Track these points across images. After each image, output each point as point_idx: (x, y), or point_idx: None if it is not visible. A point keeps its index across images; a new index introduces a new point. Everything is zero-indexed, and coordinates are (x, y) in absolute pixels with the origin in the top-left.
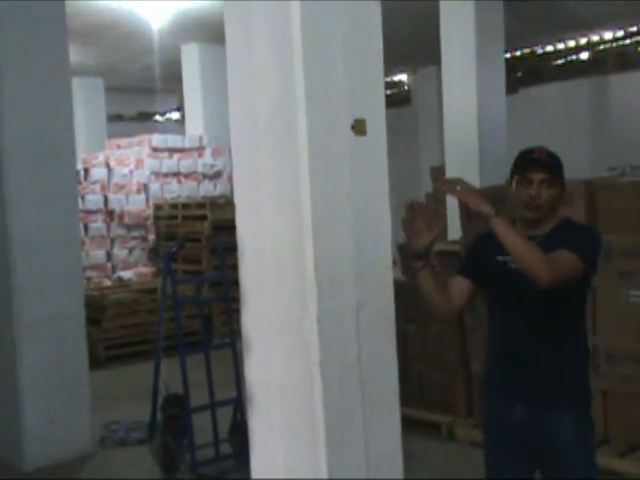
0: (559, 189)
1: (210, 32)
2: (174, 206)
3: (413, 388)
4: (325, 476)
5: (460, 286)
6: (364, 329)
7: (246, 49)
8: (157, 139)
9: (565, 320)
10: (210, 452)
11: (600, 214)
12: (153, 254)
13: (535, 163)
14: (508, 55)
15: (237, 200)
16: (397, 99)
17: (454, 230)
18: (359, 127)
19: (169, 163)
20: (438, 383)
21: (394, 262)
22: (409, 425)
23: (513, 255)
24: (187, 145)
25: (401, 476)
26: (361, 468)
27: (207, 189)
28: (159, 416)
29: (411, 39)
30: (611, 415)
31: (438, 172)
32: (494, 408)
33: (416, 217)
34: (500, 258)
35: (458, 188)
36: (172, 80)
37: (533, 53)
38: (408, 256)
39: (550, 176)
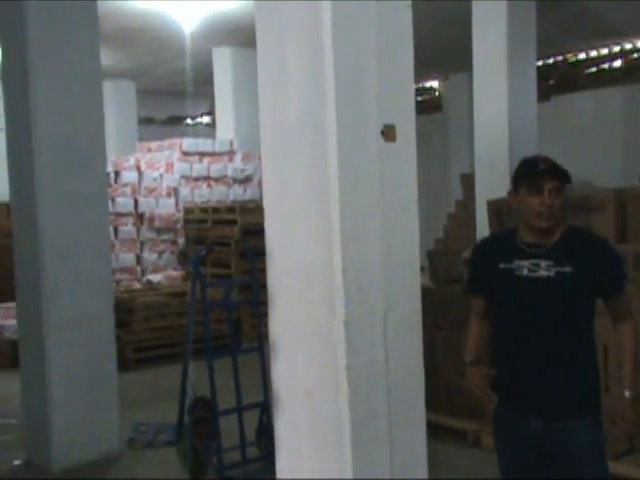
0: (565, 196)
1: (242, 35)
2: (204, 210)
3: (441, 395)
4: (350, 478)
5: (483, 305)
6: (391, 334)
7: (277, 55)
8: (187, 143)
9: (577, 328)
10: (237, 455)
11: (630, 223)
12: (182, 258)
13: (545, 172)
14: (540, 62)
15: (266, 205)
16: (428, 105)
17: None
18: (389, 133)
19: (199, 167)
20: (466, 391)
21: (422, 268)
22: (436, 432)
23: None
24: (217, 149)
25: None
26: (386, 473)
27: (237, 193)
28: (186, 419)
29: (442, 45)
30: (638, 422)
31: (468, 179)
32: (509, 422)
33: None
34: (503, 265)
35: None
36: (203, 84)
37: (566, 61)
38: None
39: (559, 184)
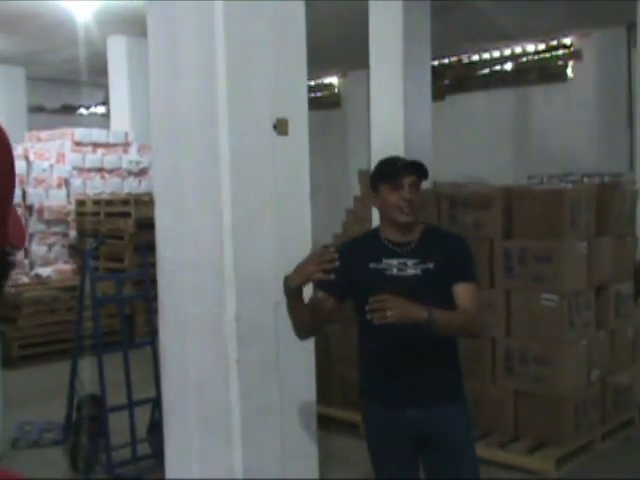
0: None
1: (138, 24)
2: (97, 202)
3: (335, 388)
4: (240, 474)
5: (324, 300)
6: (282, 328)
7: (169, 46)
8: (80, 133)
9: None
10: (127, 453)
11: (516, 220)
12: (74, 251)
13: (404, 167)
14: (436, 62)
15: (157, 197)
16: (327, 102)
17: None
18: (281, 127)
19: (92, 158)
20: (359, 384)
21: None
22: (329, 424)
23: (453, 333)
24: (112, 140)
25: (316, 474)
26: (276, 466)
27: (132, 186)
28: (75, 417)
29: (341, 42)
30: (521, 413)
31: (366, 176)
32: (383, 421)
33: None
34: (373, 265)
35: (389, 314)
36: (98, 73)
37: (460, 61)
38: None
39: (418, 178)
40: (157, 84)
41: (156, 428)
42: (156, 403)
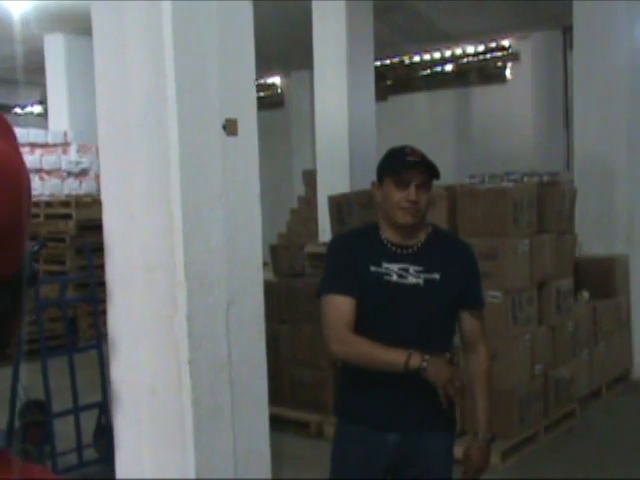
0: (431, 193)
1: (76, 22)
2: (36, 204)
3: (285, 388)
4: (193, 475)
5: (354, 309)
6: (234, 328)
7: (116, 46)
8: (17, 133)
9: (439, 341)
10: (74, 458)
11: (460, 218)
12: None
13: (413, 165)
14: (378, 63)
15: (104, 198)
16: (270, 102)
17: (325, 233)
18: (231, 127)
19: (30, 159)
20: (309, 383)
21: (265, 263)
22: (280, 424)
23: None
24: (50, 141)
25: (269, 474)
26: (229, 467)
27: (72, 187)
28: (17, 423)
29: (285, 42)
30: (468, 408)
31: (310, 175)
32: (361, 440)
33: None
34: (373, 269)
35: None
36: (34, 71)
37: (402, 62)
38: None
39: (427, 179)
40: (103, 84)
41: (103, 433)
42: (102, 407)
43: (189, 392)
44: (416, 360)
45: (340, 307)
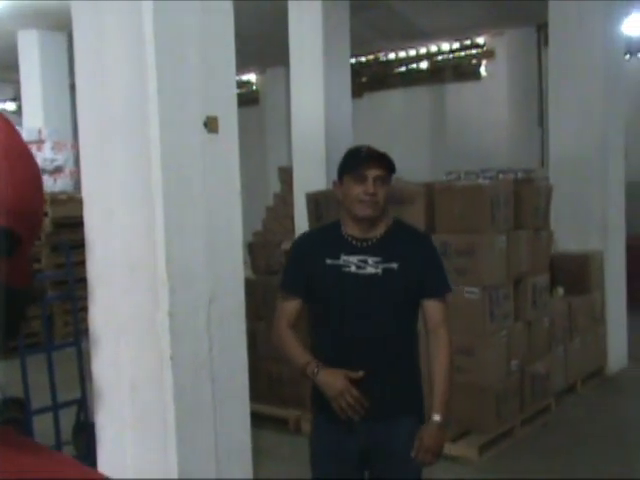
0: (389, 187)
1: (51, 18)
2: None
3: (263, 385)
4: (175, 471)
5: (297, 310)
6: (215, 324)
7: (96, 45)
8: None
9: (402, 329)
10: None
11: (438, 215)
12: None
13: (369, 160)
14: (353, 60)
15: (85, 195)
16: (245, 99)
17: (302, 230)
18: (212, 125)
19: None
20: (287, 380)
21: (244, 261)
22: (258, 421)
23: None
24: (25, 138)
25: (250, 469)
26: (211, 462)
27: (47, 185)
28: None
29: (260, 39)
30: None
31: (286, 173)
32: (331, 431)
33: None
34: (330, 262)
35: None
36: (8, 68)
37: (377, 59)
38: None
39: (384, 173)
40: (84, 81)
41: (81, 430)
42: (81, 404)
43: (171, 388)
44: (310, 369)
45: (284, 306)
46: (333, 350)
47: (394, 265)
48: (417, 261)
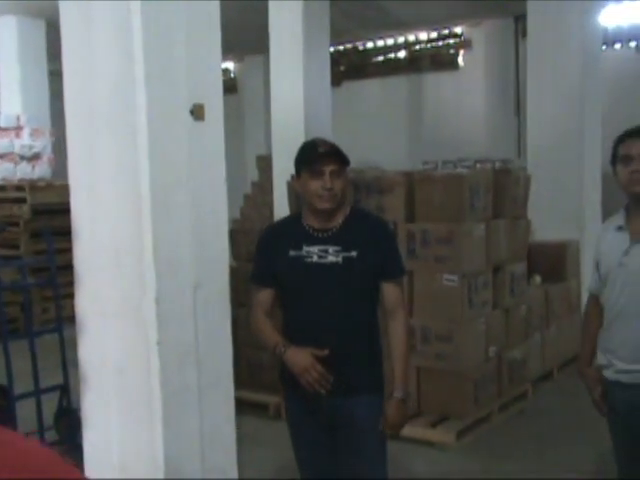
0: (346, 179)
1: (29, 4)
2: None
3: (243, 371)
4: (161, 454)
5: (270, 299)
6: (201, 310)
7: (84, 30)
8: None
9: (364, 312)
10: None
11: (418, 203)
12: None
13: (324, 155)
14: (332, 49)
15: (72, 181)
16: (224, 87)
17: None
18: (198, 112)
19: None
20: (267, 366)
21: None
22: (239, 406)
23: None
24: (3, 124)
25: (234, 452)
26: (196, 445)
27: (25, 171)
28: None
29: (238, 27)
30: (424, 389)
31: (264, 161)
32: (301, 411)
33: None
34: (292, 253)
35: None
36: None
37: (355, 48)
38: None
39: (339, 166)
40: (71, 68)
41: (64, 415)
42: (64, 390)
43: (157, 372)
44: (278, 349)
45: (258, 296)
46: (301, 334)
47: (353, 253)
48: (375, 247)
